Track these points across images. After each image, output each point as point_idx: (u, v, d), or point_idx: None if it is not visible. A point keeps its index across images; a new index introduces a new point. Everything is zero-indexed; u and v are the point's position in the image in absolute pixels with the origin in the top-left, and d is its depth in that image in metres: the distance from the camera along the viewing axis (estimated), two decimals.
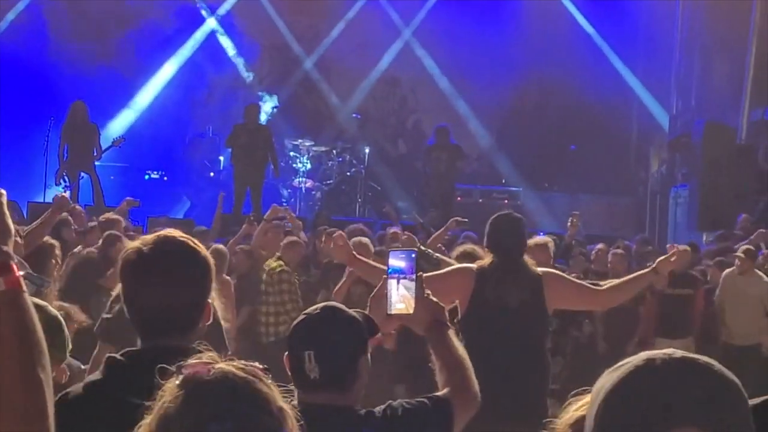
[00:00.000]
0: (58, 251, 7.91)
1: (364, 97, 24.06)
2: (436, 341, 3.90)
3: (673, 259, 7.26)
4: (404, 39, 24.08)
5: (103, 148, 17.87)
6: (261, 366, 2.23)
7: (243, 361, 2.23)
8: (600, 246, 12.82)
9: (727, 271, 12.19)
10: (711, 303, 12.27)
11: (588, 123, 22.10)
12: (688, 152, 19.66)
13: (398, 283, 3.97)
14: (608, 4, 22.91)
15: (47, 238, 8.01)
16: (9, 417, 2.06)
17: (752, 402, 1.77)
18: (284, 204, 19.47)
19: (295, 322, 3.70)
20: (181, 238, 3.25)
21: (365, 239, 11.70)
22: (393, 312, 3.95)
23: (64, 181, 17.63)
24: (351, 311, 3.73)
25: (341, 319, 3.66)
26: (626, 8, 22.71)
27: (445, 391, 3.72)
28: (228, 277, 10.35)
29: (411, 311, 3.85)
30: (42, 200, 17.70)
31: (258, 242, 11.91)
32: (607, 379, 1.77)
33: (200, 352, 3.02)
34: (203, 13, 23.57)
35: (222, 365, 2.18)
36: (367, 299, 4.25)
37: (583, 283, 7.27)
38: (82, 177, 17.79)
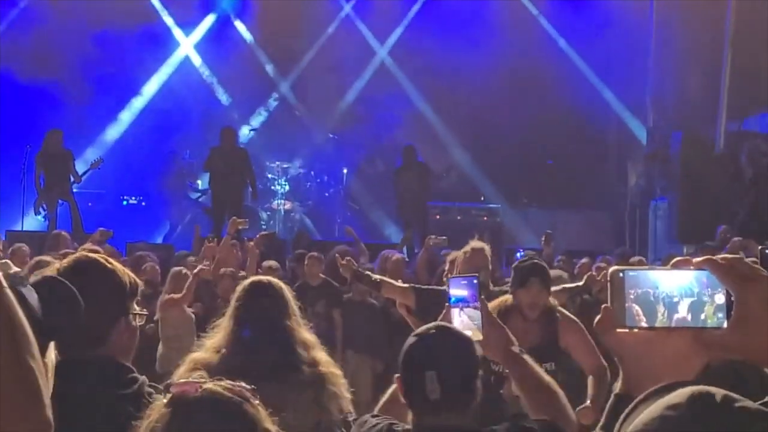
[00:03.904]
0: None
1: (340, 117, 24.01)
2: (519, 370, 3.82)
3: (599, 278, 9.03)
4: (380, 58, 24.09)
5: (81, 173, 17.78)
6: (248, 386, 2.20)
7: (230, 382, 2.19)
8: (584, 260, 12.77)
9: None
10: None
11: (565, 138, 22.11)
12: (666, 165, 19.69)
13: (461, 311, 3.91)
14: (583, 20, 22.95)
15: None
16: (6, 408, 2.03)
17: None
18: (263, 226, 19.44)
19: (409, 344, 3.64)
20: (93, 258, 3.42)
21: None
22: None
23: (43, 210, 17.53)
24: (458, 330, 3.69)
25: (459, 339, 3.63)
26: (600, 23, 22.74)
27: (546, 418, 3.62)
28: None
29: (479, 338, 3.80)
30: (20, 229, 17.58)
31: (222, 258, 11.64)
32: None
33: (110, 361, 3.16)
34: (177, 38, 23.51)
35: (209, 385, 2.15)
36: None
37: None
38: (61, 204, 17.67)
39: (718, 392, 1.57)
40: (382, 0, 24.04)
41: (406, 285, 7.70)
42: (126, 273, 3.40)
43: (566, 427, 3.63)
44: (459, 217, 21.07)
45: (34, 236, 15.72)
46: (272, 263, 11.97)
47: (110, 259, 3.42)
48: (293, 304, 5.04)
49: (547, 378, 3.82)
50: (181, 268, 10.22)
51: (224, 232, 17.02)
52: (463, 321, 3.90)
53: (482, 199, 22.78)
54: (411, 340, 3.63)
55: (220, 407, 2.12)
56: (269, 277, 5.32)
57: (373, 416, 3.78)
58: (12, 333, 2.08)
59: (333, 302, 11.93)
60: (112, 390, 3.14)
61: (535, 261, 7.26)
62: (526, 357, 3.85)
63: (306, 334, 4.97)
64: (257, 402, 2.19)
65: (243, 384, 2.20)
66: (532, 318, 6.83)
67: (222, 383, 2.18)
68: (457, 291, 3.97)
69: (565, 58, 23.56)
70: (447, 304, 4.03)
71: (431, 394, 3.44)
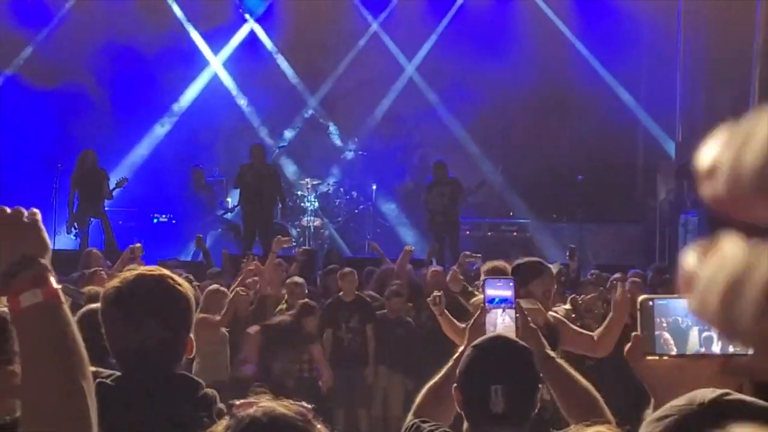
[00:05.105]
0: None
1: (369, 133, 23.99)
2: (554, 373, 3.80)
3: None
4: (408, 75, 24.09)
5: (110, 189, 17.88)
6: (309, 405, 2.22)
7: (290, 400, 2.21)
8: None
9: None
10: None
11: (594, 153, 22.05)
12: (696, 179, 19.58)
13: (504, 311, 3.86)
14: (611, 35, 22.90)
15: None
16: (54, 426, 2.04)
17: None
18: (293, 243, 19.46)
19: (470, 356, 3.57)
20: (159, 275, 3.27)
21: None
22: None
23: (75, 229, 17.59)
24: (520, 342, 3.64)
25: (521, 351, 3.56)
26: (629, 38, 22.70)
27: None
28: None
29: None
30: (52, 247, 17.63)
31: (267, 277, 11.68)
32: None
33: (186, 378, 3.12)
34: (206, 54, 23.59)
35: (272, 404, 2.17)
36: None
37: None
38: (92, 222, 17.75)
39: (714, 389, 1.68)
40: (411, 16, 24.05)
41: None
42: (188, 290, 3.31)
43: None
44: (489, 233, 21.05)
45: (66, 255, 15.79)
46: (297, 278, 11.98)
47: (175, 276, 3.33)
48: None
49: (583, 381, 3.79)
50: (217, 285, 10.23)
51: (256, 249, 17.15)
52: (505, 321, 3.85)
53: (511, 214, 22.75)
54: (472, 352, 3.55)
55: (284, 427, 2.14)
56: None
57: (423, 421, 3.69)
58: (66, 352, 2.09)
59: (366, 318, 11.92)
60: (200, 409, 3.07)
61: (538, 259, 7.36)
62: (560, 360, 3.84)
63: None
64: (319, 426, 2.21)
65: (304, 404, 2.22)
66: (550, 306, 6.78)
67: (283, 403, 2.20)
68: (497, 292, 3.91)
69: (593, 72, 23.49)
70: (483, 305, 3.99)
71: (495, 407, 3.38)
